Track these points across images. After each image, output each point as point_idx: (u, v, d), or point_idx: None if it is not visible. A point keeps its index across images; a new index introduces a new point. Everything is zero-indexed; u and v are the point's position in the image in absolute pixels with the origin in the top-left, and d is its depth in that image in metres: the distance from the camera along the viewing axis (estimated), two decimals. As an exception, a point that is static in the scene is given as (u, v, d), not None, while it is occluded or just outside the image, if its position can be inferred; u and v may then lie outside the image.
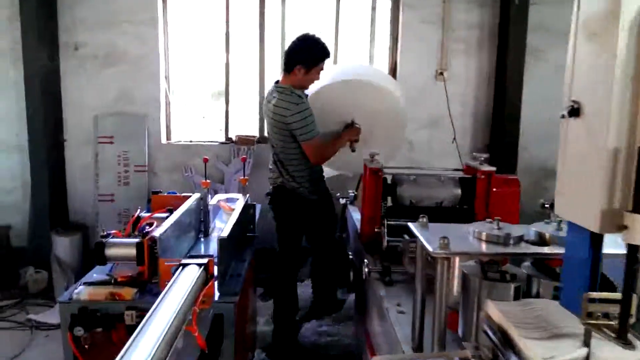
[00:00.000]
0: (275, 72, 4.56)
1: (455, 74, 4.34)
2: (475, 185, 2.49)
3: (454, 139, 4.31)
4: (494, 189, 2.46)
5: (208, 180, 2.81)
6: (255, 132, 4.59)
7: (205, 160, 2.85)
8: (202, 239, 2.79)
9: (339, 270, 3.24)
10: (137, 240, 2.01)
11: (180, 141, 4.55)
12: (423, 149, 4.37)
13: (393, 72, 4.43)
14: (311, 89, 2.99)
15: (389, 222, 2.39)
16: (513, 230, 1.40)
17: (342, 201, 3.47)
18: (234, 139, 4.51)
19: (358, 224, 2.94)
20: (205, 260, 1.76)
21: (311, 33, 2.91)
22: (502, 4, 4.19)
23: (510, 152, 4.27)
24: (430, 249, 1.27)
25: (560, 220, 1.35)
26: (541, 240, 1.37)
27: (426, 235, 1.37)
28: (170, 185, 4.42)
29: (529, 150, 4.37)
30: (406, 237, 2.12)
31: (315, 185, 3.03)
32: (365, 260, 2.08)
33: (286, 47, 2.99)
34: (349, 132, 2.97)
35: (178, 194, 2.98)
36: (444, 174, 2.57)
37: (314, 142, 2.81)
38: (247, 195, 2.87)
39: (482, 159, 2.55)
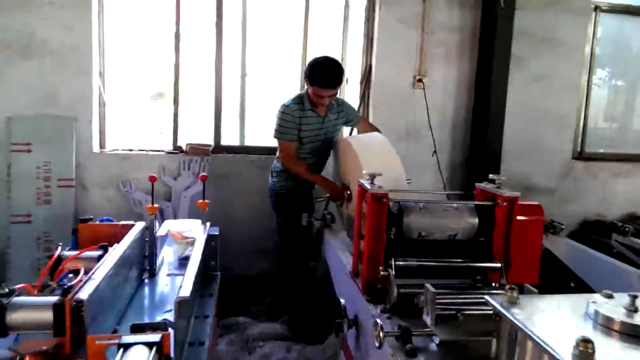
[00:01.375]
0: (235, 75, 3.97)
1: (435, 80, 3.95)
2: (494, 213, 2.06)
3: (435, 152, 3.91)
4: (517, 217, 2.04)
5: (156, 205, 2.17)
6: (209, 140, 3.94)
7: (153, 180, 2.21)
8: (146, 281, 2.15)
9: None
10: (54, 299, 1.38)
11: (118, 150, 3.81)
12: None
13: (367, 76, 3.97)
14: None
15: (398, 263, 1.89)
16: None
17: (312, 224, 2.98)
18: (184, 148, 3.85)
19: (344, 259, 2.43)
20: (157, 338, 1.18)
21: (332, 57, 3.00)
22: (485, 7, 3.85)
23: (492, 167, 3.93)
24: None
25: None
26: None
27: (528, 322, 0.87)
28: (104, 203, 3.68)
29: (510, 164, 4.06)
30: (428, 286, 1.63)
31: (285, 180, 3.16)
32: (379, 322, 1.56)
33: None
34: (334, 189, 2.92)
35: (115, 222, 2.31)
36: (450, 202, 2.11)
37: (280, 143, 3.08)
38: (208, 224, 2.26)
39: (500, 181, 2.12)
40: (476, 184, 2.21)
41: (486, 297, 1.01)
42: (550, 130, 4.22)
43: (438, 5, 3.86)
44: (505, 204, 2.02)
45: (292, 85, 3.99)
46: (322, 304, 3.04)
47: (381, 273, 1.86)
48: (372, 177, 1.97)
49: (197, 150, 3.84)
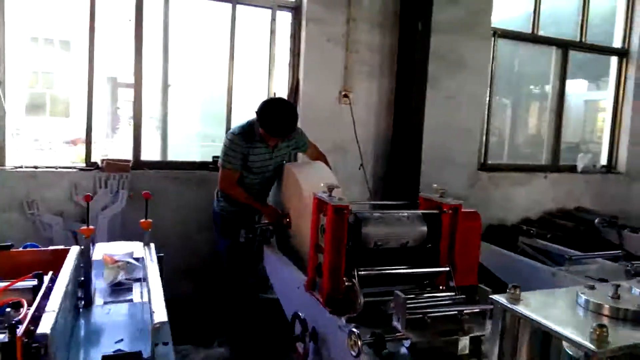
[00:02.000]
0: (157, 86, 3.77)
1: (359, 97, 4.11)
2: (440, 220, 2.19)
3: (361, 165, 4.05)
4: (461, 224, 2.19)
5: (92, 227, 1.97)
6: (128, 156, 3.68)
7: (88, 199, 2.01)
8: (81, 310, 1.95)
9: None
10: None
11: (22, 167, 3.39)
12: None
13: (295, 92, 4.01)
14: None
15: (360, 273, 1.92)
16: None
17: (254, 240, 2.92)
18: (100, 164, 3.54)
19: (293, 273, 2.40)
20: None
21: (287, 104, 3.08)
22: (402, 29, 4.12)
23: (412, 179, 4.17)
24: (590, 346, 0.83)
25: None
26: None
27: (539, 314, 0.94)
28: (4, 228, 3.25)
29: (427, 176, 4.33)
30: (398, 293, 1.69)
31: (231, 204, 3.08)
32: (355, 331, 1.56)
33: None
34: (271, 214, 2.93)
35: (42, 248, 2.07)
36: (400, 211, 2.20)
37: (222, 171, 3.01)
38: (152, 245, 2.11)
39: (442, 190, 2.27)
40: (420, 194, 2.34)
41: (493, 297, 1.07)
42: (460, 144, 4.59)
43: (360, 26, 4.03)
44: (450, 211, 2.17)
45: (218, 97, 3.91)
46: (265, 323, 2.98)
47: (346, 284, 1.88)
48: (331, 189, 1.99)
49: (114, 166, 3.55)
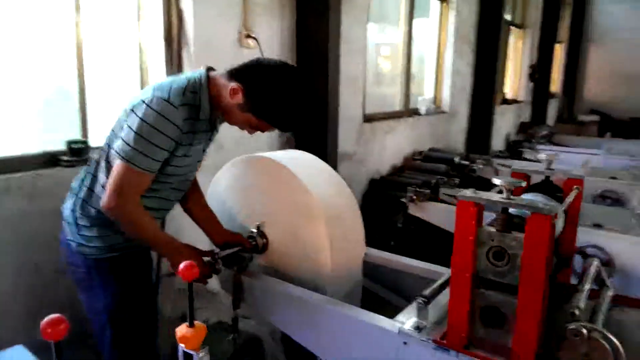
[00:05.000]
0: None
1: (261, 39, 3.10)
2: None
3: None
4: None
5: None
6: None
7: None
8: None
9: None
10: None
11: None
12: (231, 148, 2.91)
13: (178, 34, 2.72)
14: None
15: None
16: None
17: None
18: None
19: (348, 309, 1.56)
20: None
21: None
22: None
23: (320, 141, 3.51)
24: None
25: None
26: None
27: None
28: None
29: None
30: None
31: (114, 233, 1.73)
32: None
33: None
34: (195, 256, 1.73)
35: None
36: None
37: (126, 172, 1.55)
38: None
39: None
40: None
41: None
42: (348, 95, 4.10)
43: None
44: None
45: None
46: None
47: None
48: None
49: None
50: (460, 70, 6.35)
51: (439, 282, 1.55)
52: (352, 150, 4.31)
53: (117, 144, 1.57)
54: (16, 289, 2.12)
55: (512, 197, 1.28)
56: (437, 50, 6.07)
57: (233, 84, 1.62)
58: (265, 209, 1.92)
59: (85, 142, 2.24)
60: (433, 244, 2.77)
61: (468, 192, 1.31)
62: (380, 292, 2.08)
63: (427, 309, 1.47)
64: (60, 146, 2.28)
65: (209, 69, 1.70)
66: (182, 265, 0.90)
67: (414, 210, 3.17)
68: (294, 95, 1.64)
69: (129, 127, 1.56)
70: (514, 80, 9.08)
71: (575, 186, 1.69)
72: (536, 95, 10.18)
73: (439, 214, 3.11)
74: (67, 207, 1.77)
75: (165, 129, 1.55)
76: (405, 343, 1.46)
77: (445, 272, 1.90)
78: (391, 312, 1.59)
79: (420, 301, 1.47)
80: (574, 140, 7.46)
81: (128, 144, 1.54)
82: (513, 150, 6.66)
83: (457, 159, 5.01)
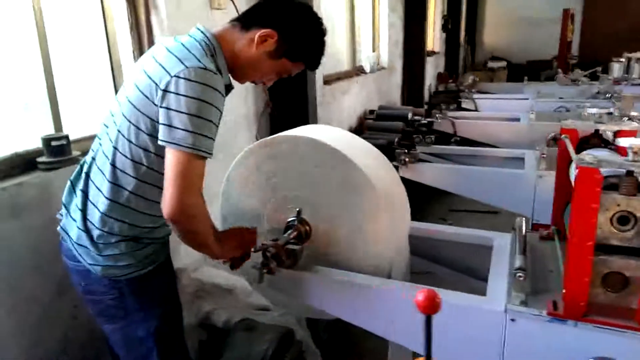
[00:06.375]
0: None
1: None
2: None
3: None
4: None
5: None
6: None
7: None
8: None
9: None
10: None
11: None
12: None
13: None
14: None
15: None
16: None
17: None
18: None
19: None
20: None
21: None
22: None
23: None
24: None
25: None
26: None
27: None
28: None
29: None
30: None
31: (149, 245, 1.49)
32: None
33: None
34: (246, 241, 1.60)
35: None
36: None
37: (187, 160, 1.25)
38: None
39: None
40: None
41: None
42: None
43: None
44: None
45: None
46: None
47: None
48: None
49: None
50: (395, 23, 6.31)
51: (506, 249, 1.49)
52: (320, 115, 4.11)
53: (164, 134, 1.25)
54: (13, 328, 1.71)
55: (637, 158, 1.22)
56: (372, 4, 5.93)
57: (263, 31, 1.39)
58: (303, 195, 1.68)
59: (67, 137, 1.79)
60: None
61: (587, 158, 1.23)
62: (419, 265, 2.01)
63: (528, 282, 1.41)
64: (34, 144, 1.81)
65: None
66: (420, 297, 0.69)
67: (403, 172, 3.12)
68: (323, 31, 1.51)
69: (176, 110, 1.24)
70: (429, 32, 9.28)
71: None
72: (448, 45, 10.56)
73: (433, 174, 3.09)
74: (71, 227, 1.43)
75: (215, 100, 1.28)
76: (513, 320, 1.39)
77: (490, 236, 1.87)
78: (439, 283, 1.51)
79: (521, 274, 1.41)
80: (493, 87, 7.75)
81: (183, 129, 1.23)
82: (437, 101, 6.76)
83: (410, 115, 5.02)
